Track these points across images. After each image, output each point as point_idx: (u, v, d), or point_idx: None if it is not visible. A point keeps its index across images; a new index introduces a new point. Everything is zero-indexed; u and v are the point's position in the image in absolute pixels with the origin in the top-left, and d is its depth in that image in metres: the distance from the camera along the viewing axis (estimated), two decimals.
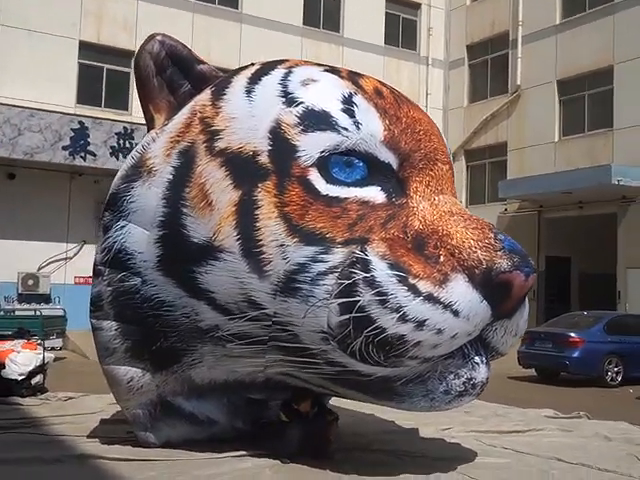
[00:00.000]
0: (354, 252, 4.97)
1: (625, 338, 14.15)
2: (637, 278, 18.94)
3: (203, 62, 6.07)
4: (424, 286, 4.81)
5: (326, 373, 5.26)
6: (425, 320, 4.76)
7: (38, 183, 18.38)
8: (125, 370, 5.78)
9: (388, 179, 5.31)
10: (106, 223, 5.75)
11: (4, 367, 8.84)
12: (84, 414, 7.56)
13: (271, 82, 5.53)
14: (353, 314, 4.81)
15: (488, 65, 24.74)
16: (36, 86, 18.61)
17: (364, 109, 5.37)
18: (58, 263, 19.35)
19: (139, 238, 5.56)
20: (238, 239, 5.13)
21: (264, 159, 5.22)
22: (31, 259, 18.77)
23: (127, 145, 18.09)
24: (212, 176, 5.30)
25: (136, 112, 19.01)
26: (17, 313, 17.08)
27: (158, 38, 5.96)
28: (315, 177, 5.16)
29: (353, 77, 5.68)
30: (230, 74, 5.91)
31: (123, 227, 5.64)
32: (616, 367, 13.88)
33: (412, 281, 4.82)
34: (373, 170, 5.27)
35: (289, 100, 5.36)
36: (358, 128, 5.25)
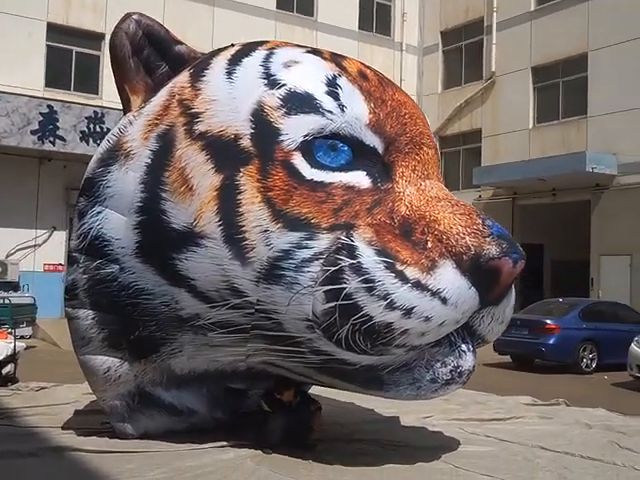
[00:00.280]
0: (340, 238, 4.86)
1: (600, 325, 14.20)
2: (610, 265, 19.07)
3: (181, 43, 5.93)
4: (412, 273, 4.72)
5: (310, 362, 5.16)
6: (413, 308, 4.68)
7: (6, 168, 17.95)
8: (102, 360, 5.62)
9: (374, 163, 5.21)
10: (81, 209, 5.58)
11: None
12: (57, 405, 7.39)
13: (252, 63, 5.39)
14: (339, 302, 4.72)
15: (462, 51, 24.65)
16: (2, 68, 18.16)
17: (349, 92, 5.25)
18: (27, 250, 18.96)
19: (116, 224, 5.40)
20: (220, 225, 4.99)
21: (246, 142, 5.09)
22: None
23: (97, 130, 17.72)
24: (192, 160, 5.16)
25: (107, 96, 18.67)
26: None
27: (134, 17, 5.79)
28: (299, 161, 5.04)
29: (336, 59, 5.57)
30: (209, 55, 5.76)
31: (99, 213, 5.47)
32: (591, 354, 13.93)
33: (400, 268, 4.72)
34: (358, 154, 5.17)
35: (271, 82, 5.23)
36: (343, 111, 5.14)
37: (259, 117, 5.11)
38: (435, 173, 5.49)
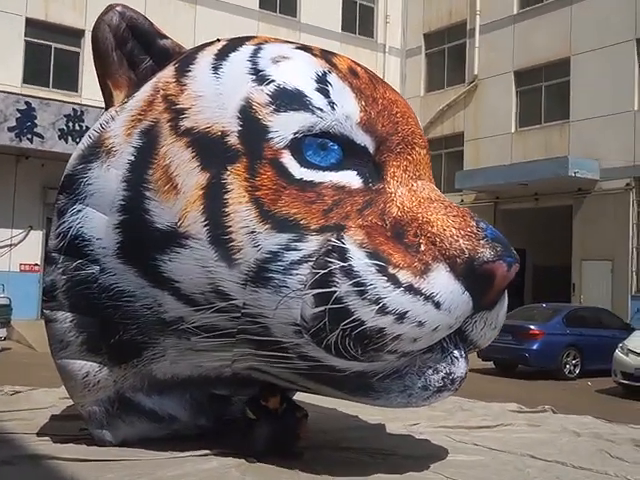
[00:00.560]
0: (330, 240, 4.69)
1: (584, 330, 14.16)
2: (592, 270, 19.06)
3: (165, 36, 5.76)
4: (404, 276, 4.56)
5: (298, 368, 4.98)
6: (406, 312, 4.52)
7: None
8: (80, 364, 5.42)
9: (364, 163, 5.05)
10: (61, 207, 5.37)
11: None
12: (33, 409, 7.16)
13: (240, 59, 5.22)
14: (329, 305, 4.55)
15: (445, 54, 24.61)
16: None
17: (339, 89, 5.10)
18: (2, 250, 18.64)
19: (97, 223, 5.20)
20: (205, 225, 4.81)
21: (233, 140, 4.92)
22: None
23: (77, 127, 17.41)
24: (177, 157, 4.98)
25: (86, 93, 18.41)
26: None
27: (118, 9, 5.61)
28: (288, 160, 4.87)
29: (326, 55, 5.43)
30: (194, 50, 5.59)
31: (79, 211, 5.28)
32: (574, 360, 13.86)
33: (392, 271, 4.56)
34: (349, 154, 5.01)
35: (260, 78, 5.06)
36: (333, 109, 4.98)
37: (247, 114, 4.94)
38: (427, 174, 5.36)
